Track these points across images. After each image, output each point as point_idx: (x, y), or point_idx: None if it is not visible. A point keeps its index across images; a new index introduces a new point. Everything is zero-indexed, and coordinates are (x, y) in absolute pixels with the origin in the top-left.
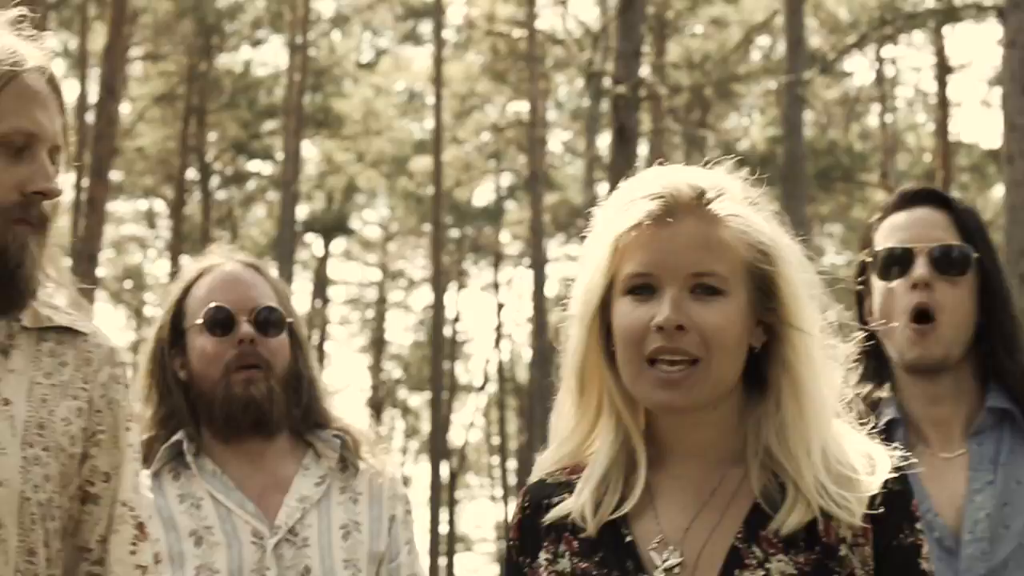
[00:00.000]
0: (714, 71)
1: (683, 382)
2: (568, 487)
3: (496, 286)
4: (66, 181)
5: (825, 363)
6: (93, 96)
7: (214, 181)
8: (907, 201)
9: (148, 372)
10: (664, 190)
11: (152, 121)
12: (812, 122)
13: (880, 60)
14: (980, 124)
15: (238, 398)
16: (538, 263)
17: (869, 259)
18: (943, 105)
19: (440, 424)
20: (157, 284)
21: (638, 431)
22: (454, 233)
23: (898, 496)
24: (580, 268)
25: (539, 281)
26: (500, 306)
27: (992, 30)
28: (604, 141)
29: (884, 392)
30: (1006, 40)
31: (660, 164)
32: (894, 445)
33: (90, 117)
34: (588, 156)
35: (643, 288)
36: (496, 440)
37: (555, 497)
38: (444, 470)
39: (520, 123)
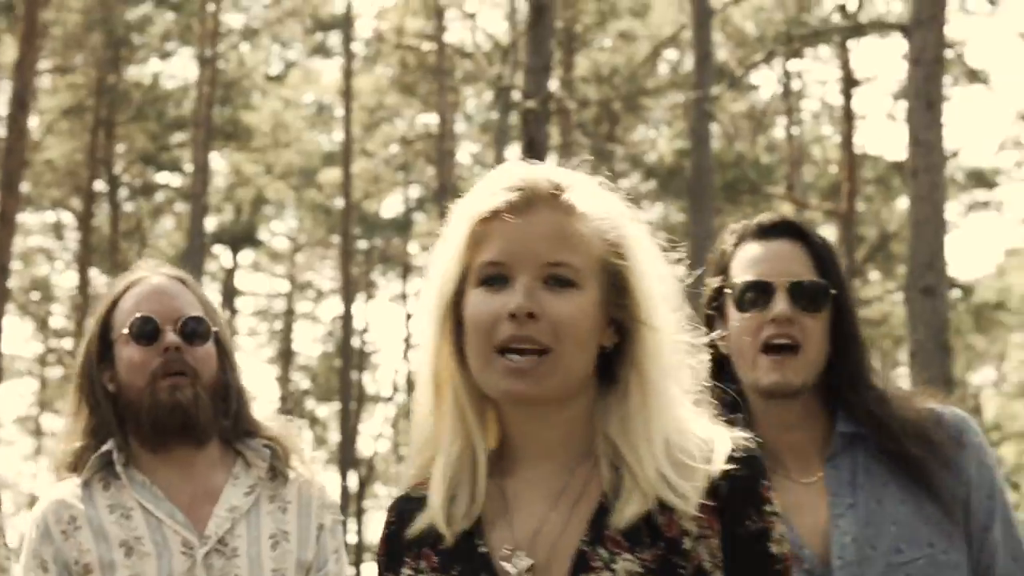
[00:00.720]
0: (622, 85)
1: (532, 372)
2: (425, 501)
3: (404, 297)
4: None
5: (675, 359)
6: (2, 109)
7: (122, 193)
8: (765, 232)
9: (78, 385)
10: (522, 182)
11: (60, 134)
12: (719, 135)
13: (787, 74)
14: (885, 137)
15: (164, 404)
16: None
17: (727, 289)
18: (848, 118)
19: (349, 435)
20: (64, 296)
21: (480, 432)
22: (363, 244)
23: (743, 481)
24: (433, 262)
25: None
26: (409, 316)
27: (897, 44)
28: (513, 153)
29: (738, 422)
30: (911, 57)
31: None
32: (740, 428)
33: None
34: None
35: (496, 278)
36: (404, 450)
37: (417, 512)
38: (353, 480)
39: (429, 136)
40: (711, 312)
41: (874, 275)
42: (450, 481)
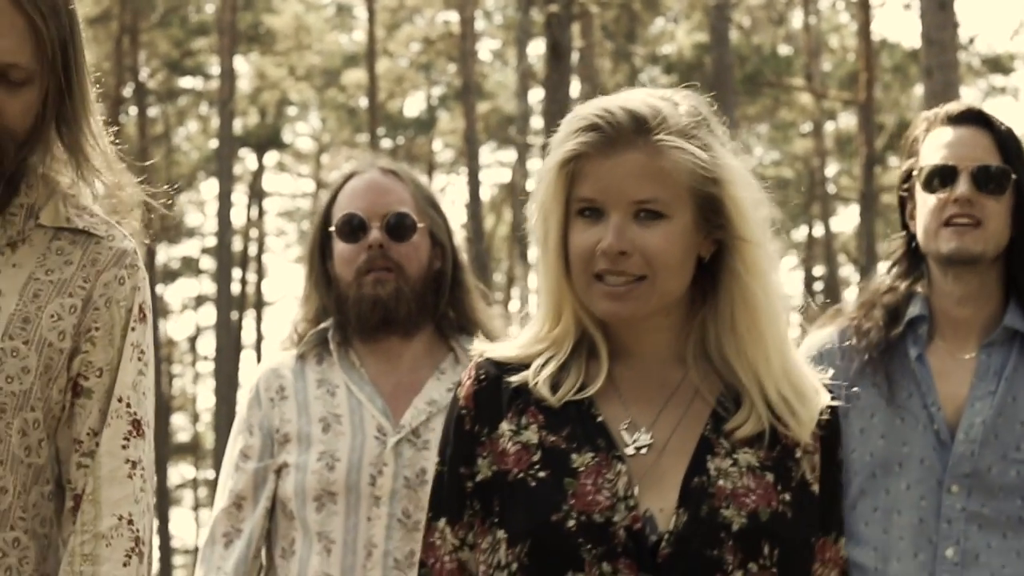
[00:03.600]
0: None
1: (628, 295)
2: (523, 367)
3: None
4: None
5: (774, 275)
6: None
7: (149, 99)
8: (953, 120)
9: (306, 272)
10: (602, 121)
11: (86, 42)
12: (736, 28)
13: None
14: (902, 24)
15: (367, 298)
16: (472, 172)
17: (915, 171)
18: (865, 7)
19: None
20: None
21: (598, 329)
22: (387, 144)
23: (835, 417)
24: (535, 191)
25: (474, 189)
26: None
27: None
28: (534, 50)
29: (920, 287)
30: None
31: (595, 87)
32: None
33: None
34: (520, 68)
35: (591, 211)
36: None
37: (511, 375)
38: None
39: (450, 35)
40: (903, 194)
41: (894, 161)
42: (566, 357)
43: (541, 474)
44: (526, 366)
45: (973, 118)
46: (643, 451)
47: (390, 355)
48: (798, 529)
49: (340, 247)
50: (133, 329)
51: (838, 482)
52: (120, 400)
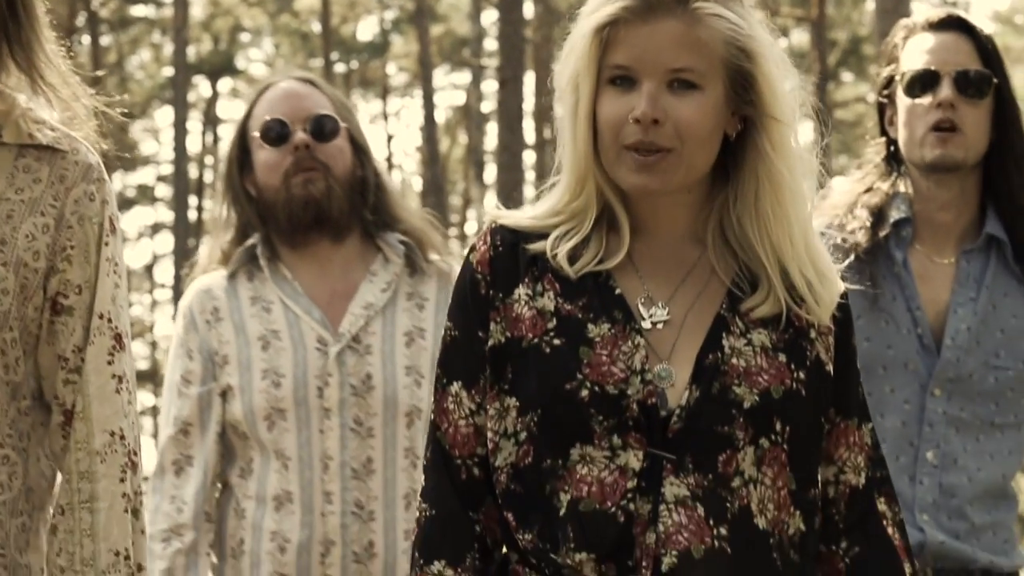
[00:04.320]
0: None
1: (656, 166)
2: (539, 237)
3: (385, 117)
4: None
5: (800, 156)
6: None
7: (102, 28)
8: (934, 26)
9: (223, 190)
10: None
11: None
12: None
13: None
14: None
15: (298, 198)
16: (427, 95)
17: (897, 76)
18: None
19: None
20: None
21: (620, 203)
22: (341, 68)
23: (847, 302)
24: (564, 59)
25: (429, 112)
26: (390, 137)
27: None
28: None
29: (902, 187)
30: None
31: (549, 8)
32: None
33: None
34: None
35: (623, 80)
36: None
37: (527, 243)
38: None
39: None
40: (883, 100)
41: (847, 77)
42: (580, 236)
43: (556, 341)
44: (543, 236)
45: (954, 24)
46: (659, 326)
47: (321, 260)
48: (811, 407)
49: (264, 154)
50: (107, 244)
51: (855, 366)
52: (101, 317)
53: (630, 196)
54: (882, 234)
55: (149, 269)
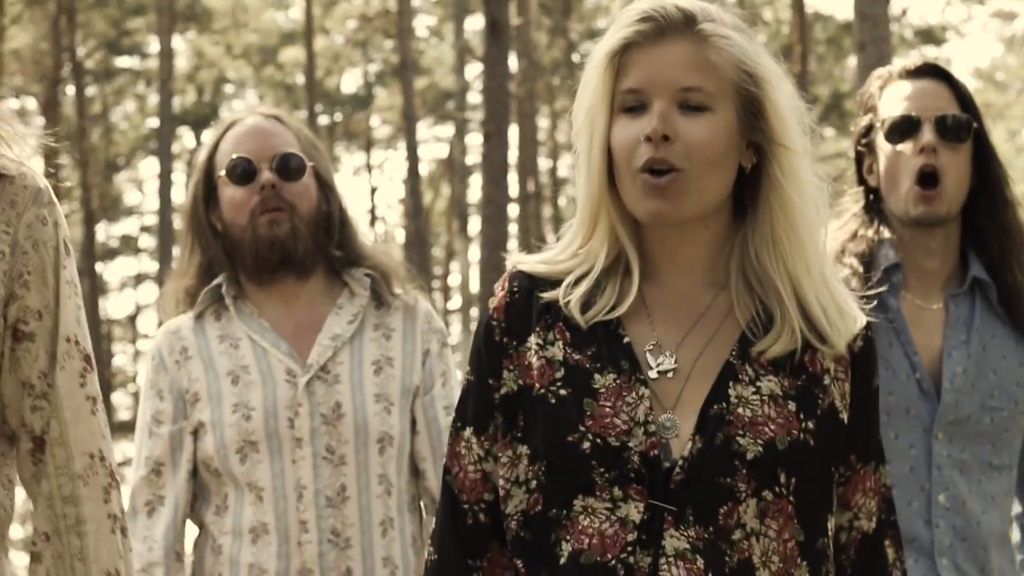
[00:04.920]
0: None
1: (668, 188)
2: (553, 284)
3: (369, 168)
4: None
5: (812, 183)
6: None
7: (87, 79)
8: (911, 74)
9: (188, 226)
10: (655, 12)
11: (23, 23)
12: None
13: None
14: None
15: (263, 239)
16: (411, 147)
17: (876, 123)
18: None
19: None
20: None
21: (632, 243)
22: (324, 120)
23: (870, 339)
24: (579, 95)
25: (412, 164)
26: (373, 189)
27: None
28: (470, 26)
29: (887, 233)
30: None
31: (533, 62)
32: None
33: None
34: (458, 44)
35: (636, 106)
36: None
37: (541, 291)
38: None
39: (387, 12)
40: (860, 149)
41: (829, 132)
42: (599, 275)
43: (562, 392)
44: (557, 283)
45: (931, 71)
46: (668, 375)
47: (287, 296)
48: (819, 457)
49: (230, 192)
50: (64, 267)
51: (874, 409)
52: (68, 340)
53: (645, 233)
54: (874, 280)
55: (132, 319)
